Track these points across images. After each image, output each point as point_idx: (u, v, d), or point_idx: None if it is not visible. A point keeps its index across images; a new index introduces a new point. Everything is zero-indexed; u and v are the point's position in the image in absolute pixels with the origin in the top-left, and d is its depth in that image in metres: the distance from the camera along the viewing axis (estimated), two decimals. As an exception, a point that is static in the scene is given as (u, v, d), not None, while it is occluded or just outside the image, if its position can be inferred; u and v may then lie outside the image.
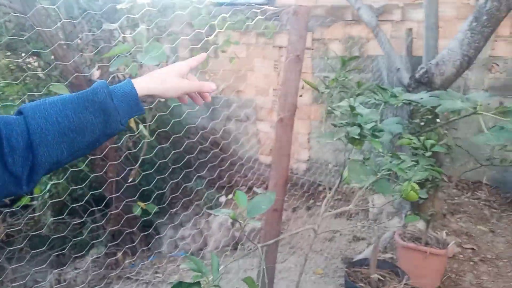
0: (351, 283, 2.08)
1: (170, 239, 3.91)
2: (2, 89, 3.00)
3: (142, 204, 3.17)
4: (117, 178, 3.20)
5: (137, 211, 3.18)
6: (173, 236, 4.01)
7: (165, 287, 2.90)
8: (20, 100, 2.93)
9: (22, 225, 2.66)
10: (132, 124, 3.05)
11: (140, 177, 3.44)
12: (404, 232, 2.58)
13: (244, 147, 4.66)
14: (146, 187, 2.93)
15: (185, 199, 3.78)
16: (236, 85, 4.66)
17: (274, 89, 4.58)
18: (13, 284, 2.67)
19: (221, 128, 4.53)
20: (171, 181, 3.12)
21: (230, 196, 4.34)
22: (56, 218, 3.08)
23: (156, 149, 3.20)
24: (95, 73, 3.49)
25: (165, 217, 4.03)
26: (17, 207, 3.08)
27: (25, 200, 3.05)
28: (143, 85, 0.79)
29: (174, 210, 3.84)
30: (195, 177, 3.47)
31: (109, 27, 2.46)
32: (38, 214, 3.03)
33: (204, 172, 3.94)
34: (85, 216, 3.01)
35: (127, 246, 3.18)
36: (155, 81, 0.80)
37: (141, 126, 2.88)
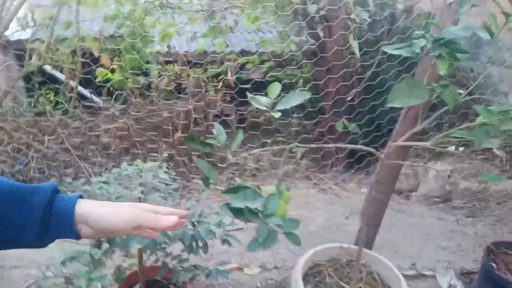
0: (488, 263, 1.76)
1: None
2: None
3: (345, 122, 3.40)
4: (334, 90, 3.48)
5: (339, 126, 3.46)
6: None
7: (337, 199, 3.07)
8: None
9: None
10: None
11: (360, 99, 3.62)
12: None
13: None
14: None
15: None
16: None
17: None
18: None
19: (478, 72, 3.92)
20: (390, 113, 3.15)
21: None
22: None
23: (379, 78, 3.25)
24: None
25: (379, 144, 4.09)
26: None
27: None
28: (88, 206, 0.68)
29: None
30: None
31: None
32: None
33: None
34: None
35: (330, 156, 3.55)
36: (105, 205, 0.70)
37: (355, 43, 2.98)
